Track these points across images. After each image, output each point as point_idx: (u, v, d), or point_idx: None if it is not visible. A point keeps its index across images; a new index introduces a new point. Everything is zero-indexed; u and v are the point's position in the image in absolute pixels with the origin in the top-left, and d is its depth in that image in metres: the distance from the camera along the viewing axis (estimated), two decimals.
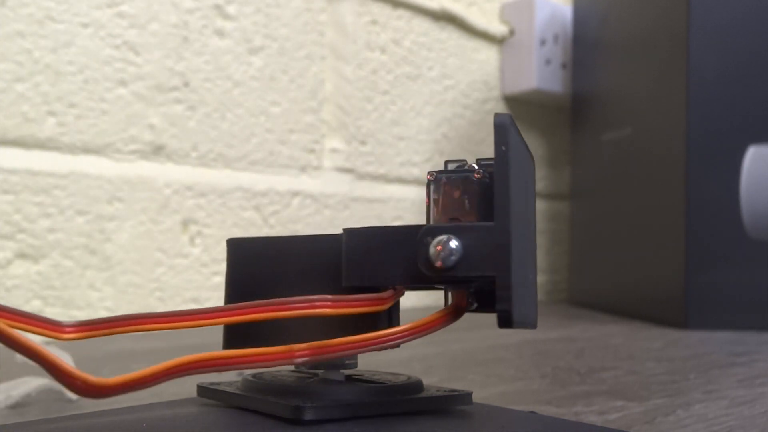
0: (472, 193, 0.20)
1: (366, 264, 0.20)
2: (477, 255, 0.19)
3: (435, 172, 0.21)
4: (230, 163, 0.65)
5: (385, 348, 0.19)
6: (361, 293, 0.20)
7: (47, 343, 0.31)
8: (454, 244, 0.19)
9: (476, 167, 0.20)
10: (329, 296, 0.19)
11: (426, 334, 0.20)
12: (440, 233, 0.19)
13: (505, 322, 0.18)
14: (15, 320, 0.17)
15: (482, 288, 0.20)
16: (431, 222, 0.21)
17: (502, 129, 0.19)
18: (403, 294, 0.21)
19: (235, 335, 0.22)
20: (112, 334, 0.18)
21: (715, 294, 0.63)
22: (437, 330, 0.20)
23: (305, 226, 0.70)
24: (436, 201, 0.21)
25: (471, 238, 0.19)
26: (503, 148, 0.19)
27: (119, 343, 0.50)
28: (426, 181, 0.21)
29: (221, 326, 0.22)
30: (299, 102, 0.70)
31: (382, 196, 0.77)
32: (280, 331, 0.21)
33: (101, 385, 0.16)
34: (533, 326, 0.21)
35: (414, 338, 0.20)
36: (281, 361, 0.18)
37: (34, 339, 0.16)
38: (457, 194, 0.20)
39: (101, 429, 0.19)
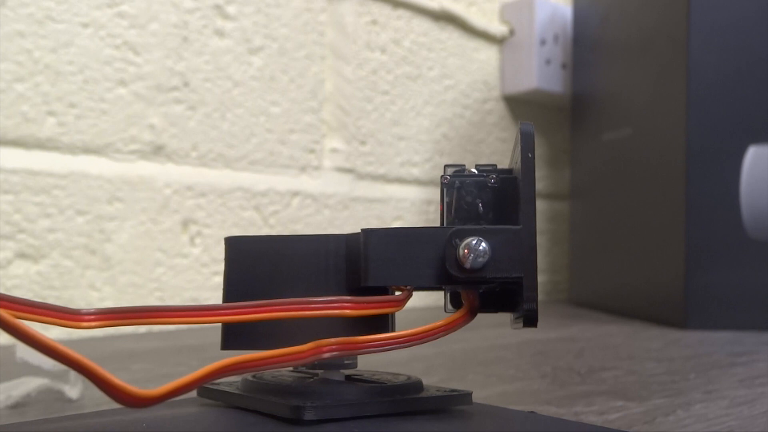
0: (485, 198, 0.21)
1: (390, 264, 0.21)
2: (505, 257, 0.19)
3: (448, 176, 0.22)
4: (230, 163, 0.65)
5: (406, 347, 0.20)
6: (364, 294, 0.20)
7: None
8: (482, 246, 0.19)
9: (476, 172, 0.21)
10: (349, 297, 0.19)
11: (446, 335, 0.21)
12: (469, 235, 0.19)
13: (530, 321, 0.19)
14: (29, 312, 0.17)
15: (493, 290, 0.21)
16: (444, 224, 0.21)
17: (529, 137, 0.20)
18: (411, 295, 0.21)
19: (234, 335, 0.22)
20: (132, 325, 0.18)
21: (715, 294, 0.63)
22: (456, 330, 0.21)
23: (305, 226, 0.70)
24: (449, 204, 0.21)
25: (499, 241, 0.19)
26: (530, 155, 0.20)
27: (119, 343, 0.50)
28: (439, 183, 0.22)
29: (218, 327, 0.22)
30: (299, 102, 0.70)
31: (382, 196, 0.77)
32: (278, 331, 0.21)
33: (146, 396, 0.16)
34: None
35: (434, 338, 0.20)
36: (311, 358, 0.19)
37: (57, 338, 0.16)
38: (470, 199, 0.21)
39: (101, 429, 0.19)
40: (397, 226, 0.77)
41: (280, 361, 0.19)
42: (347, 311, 0.19)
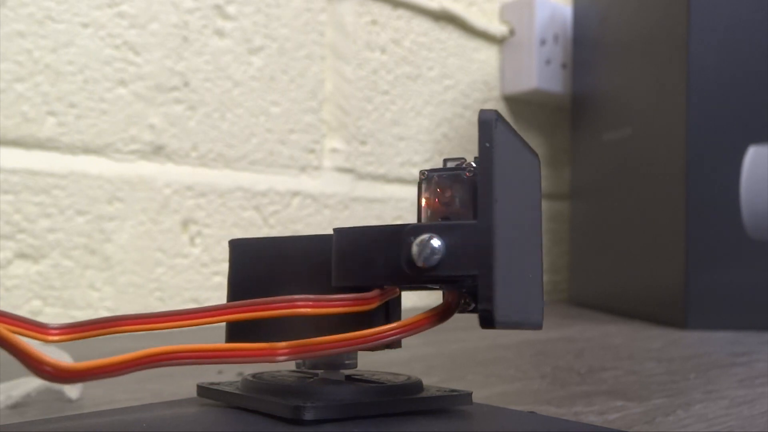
0: (463, 192, 0.20)
1: (354, 264, 0.20)
2: (460, 253, 0.18)
3: (427, 170, 0.21)
4: (230, 163, 0.65)
5: (369, 349, 0.19)
6: (355, 293, 0.20)
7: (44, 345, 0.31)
8: (436, 243, 0.18)
9: (474, 165, 0.20)
10: (311, 296, 0.19)
11: (411, 335, 0.20)
12: (423, 232, 0.19)
13: (486, 321, 0.18)
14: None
15: (474, 289, 0.20)
16: (422, 221, 0.20)
17: (486, 126, 0.19)
18: (396, 294, 0.21)
19: (238, 332, 0.22)
20: (97, 336, 0.18)
21: (715, 294, 0.63)
22: (424, 330, 0.20)
23: (305, 226, 0.70)
24: (427, 200, 0.20)
25: (454, 237, 0.18)
26: (487, 144, 0.19)
27: (119, 343, 0.50)
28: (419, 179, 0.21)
29: (223, 325, 0.22)
30: (299, 102, 0.70)
31: (382, 196, 0.77)
32: (282, 329, 0.21)
33: (70, 369, 0.15)
34: (536, 326, 0.21)
35: (399, 338, 0.19)
36: (261, 359, 0.18)
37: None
38: (448, 193, 0.20)
39: (101, 429, 0.19)
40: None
41: (221, 356, 0.18)
42: (307, 310, 0.19)
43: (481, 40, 0.88)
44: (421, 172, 0.21)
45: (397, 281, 0.19)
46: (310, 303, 0.19)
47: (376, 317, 0.21)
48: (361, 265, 0.20)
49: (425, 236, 0.19)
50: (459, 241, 0.18)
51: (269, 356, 0.18)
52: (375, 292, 0.20)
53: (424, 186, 0.20)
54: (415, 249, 0.19)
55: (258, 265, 0.23)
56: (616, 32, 0.79)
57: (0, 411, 0.29)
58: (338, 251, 0.20)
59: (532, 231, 0.21)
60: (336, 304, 0.19)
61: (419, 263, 0.18)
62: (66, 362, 0.15)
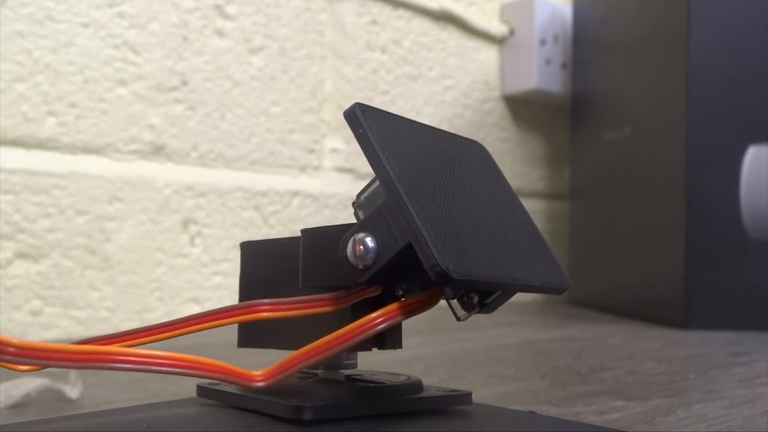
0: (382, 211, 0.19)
1: (319, 264, 0.20)
2: (388, 236, 0.18)
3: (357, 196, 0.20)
4: (230, 163, 0.65)
5: (352, 348, 0.18)
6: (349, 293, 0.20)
7: None
8: (370, 242, 0.18)
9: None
10: (266, 300, 0.19)
11: (391, 324, 0.18)
12: (356, 232, 0.18)
13: (442, 278, 0.17)
14: None
15: (411, 278, 0.19)
16: None
17: (349, 118, 0.19)
18: (378, 293, 0.20)
19: (249, 334, 0.23)
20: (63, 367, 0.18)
21: (715, 294, 0.63)
22: (402, 318, 0.18)
23: (305, 226, 0.70)
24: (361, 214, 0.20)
25: (376, 223, 0.18)
26: (360, 131, 0.19)
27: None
28: None
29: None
30: (299, 102, 0.70)
31: None
32: (290, 330, 0.21)
33: (26, 347, 0.16)
34: (556, 289, 0.20)
35: (372, 332, 0.18)
36: (237, 381, 0.18)
37: None
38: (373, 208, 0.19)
39: (101, 429, 0.19)
40: None
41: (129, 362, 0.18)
42: (264, 314, 0.19)
43: (481, 40, 0.88)
44: (354, 203, 0.20)
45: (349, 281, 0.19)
46: (267, 308, 0.19)
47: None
48: (326, 265, 0.20)
49: (358, 235, 0.18)
50: (380, 226, 0.18)
51: (247, 381, 0.19)
52: (341, 293, 0.19)
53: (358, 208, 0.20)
54: (349, 248, 0.18)
55: (268, 266, 0.23)
56: (616, 32, 0.79)
57: (0, 411, 0.29)
58: (304, 252, 0.20)
59: (494, 198, 0.21)
60: (296, 307, 0.19)
61: (352, 261, 0.18)
62: (20, 340, 0.15)
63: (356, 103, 0.19)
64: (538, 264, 0.20)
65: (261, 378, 0.19)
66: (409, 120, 0.21)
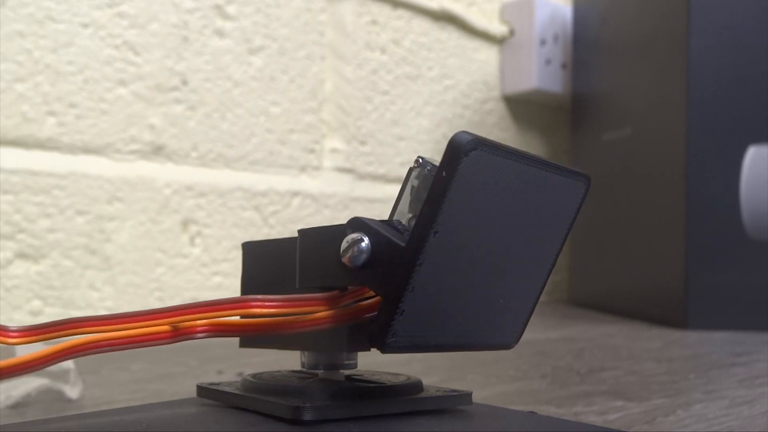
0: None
1: (314, 264, 0.20)
2: (380, 268, 0.17)
3: (421, 158, 0.19)
4: (230, 163, 0.65)
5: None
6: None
7: None
8: (365, 243, 0.18)
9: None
10: (259, 296, 0.19)
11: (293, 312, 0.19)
12: (356, 231, 0.18)
13: (374, 341, 0.17)
14: None
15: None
16: (396, 209, 0.19)
17: (453, 151, 0.16)
18: (372, 295, 0.20)
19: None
20: (57, 338, 0.18)
21: (715, 294, 0.63)
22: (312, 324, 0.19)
23: (305, 226, 0.70)
24: (412, 189, 0.19)
25: (380, 246, 0.18)
26: (444, 173, 0.16)
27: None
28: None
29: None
30: (299, 102, 0.70)
31: (382, 196, 0.77)
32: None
33: None
34: (502, 346, 0.20)
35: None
36: (167, 340, 0.18)
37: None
38: (421, 189, 0.19)
39: (101, 429, 0.19)
40: None
41: (129, 342, 0.18)
42: (257, 310, 0.19)
43: (481, 40, 0.88)
44: (416, 160, 0.19)
45: (343, 282, 0.19)
46: (260, 303, 0.19)
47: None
48: (322, 265, 0.19)
49: (357, 234, 0.18)
50: (382, 255, 0.17)
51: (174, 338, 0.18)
52: (335, 293, 0.19)
53: (414, 174, 0.19)
54: (344, 244, 0.18)
55: (269, 267, 0.23)
56: (616, 32, 0.79)
57: (0, 411, 0.29)
58: (301, 252, 0.20)
59: (524, 254, 0.20)
60: (287, 305, 0.19)
61: (344, 259, 0.18)
62: None
63: (473, 139, 0.16)
64: (487, 326, 0.20)
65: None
66: (515, 160, 0.19)
